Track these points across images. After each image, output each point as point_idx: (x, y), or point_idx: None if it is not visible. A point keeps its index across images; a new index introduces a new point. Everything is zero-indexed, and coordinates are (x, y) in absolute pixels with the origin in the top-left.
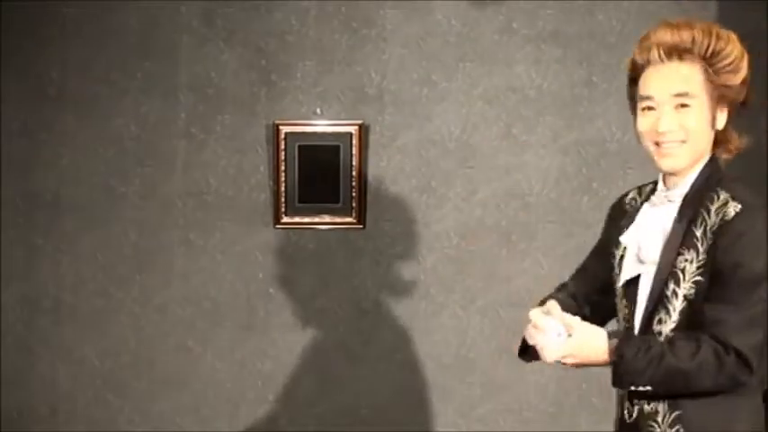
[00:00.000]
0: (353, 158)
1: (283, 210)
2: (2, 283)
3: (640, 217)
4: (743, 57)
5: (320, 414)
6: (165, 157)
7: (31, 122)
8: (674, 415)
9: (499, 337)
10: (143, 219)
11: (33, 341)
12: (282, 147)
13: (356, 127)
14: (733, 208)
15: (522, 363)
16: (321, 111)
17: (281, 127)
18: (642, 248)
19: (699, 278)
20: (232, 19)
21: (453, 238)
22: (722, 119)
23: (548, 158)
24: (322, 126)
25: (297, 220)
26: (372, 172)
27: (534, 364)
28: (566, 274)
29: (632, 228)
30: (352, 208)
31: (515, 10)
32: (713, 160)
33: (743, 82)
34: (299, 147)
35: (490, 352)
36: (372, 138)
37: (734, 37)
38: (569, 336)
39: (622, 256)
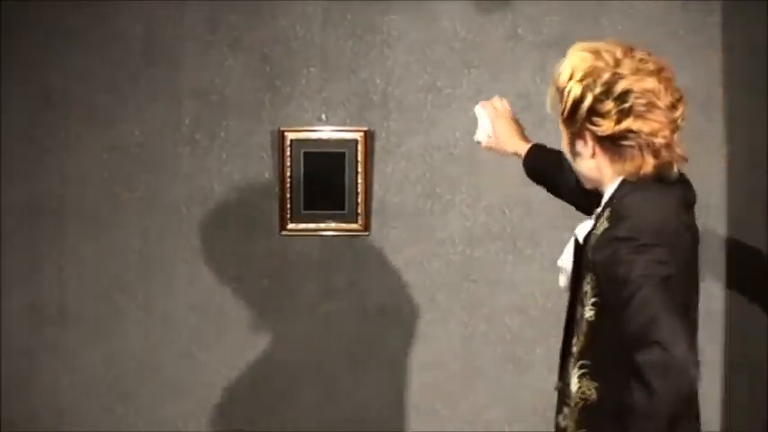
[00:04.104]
0: (359, 165)
1: (288, 216)
2: (5, 289)
3: None
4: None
5: (325, 421)
6: (169, 163)
7: (34, 128)
8: None
9: (505, 344)
10: (147, 225)
11: (37, 348)
12: (287, 153)
13: (361, 133)
14: (603, 229)
15: (529, 370)
16: (326, 117)
17: (285, 133)
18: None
19: (595, 299)
20: (236, 25)
21: (458, 244)
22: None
23: None
24: (327, 132)
25: (302, 226)
26: (377, 178)
27: (540, 373)
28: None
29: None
30: (358, 214)
31: (521, 16)
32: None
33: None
34: (304, 153)
35: (496, 359)
36: (377, 144)
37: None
38: None
39: None
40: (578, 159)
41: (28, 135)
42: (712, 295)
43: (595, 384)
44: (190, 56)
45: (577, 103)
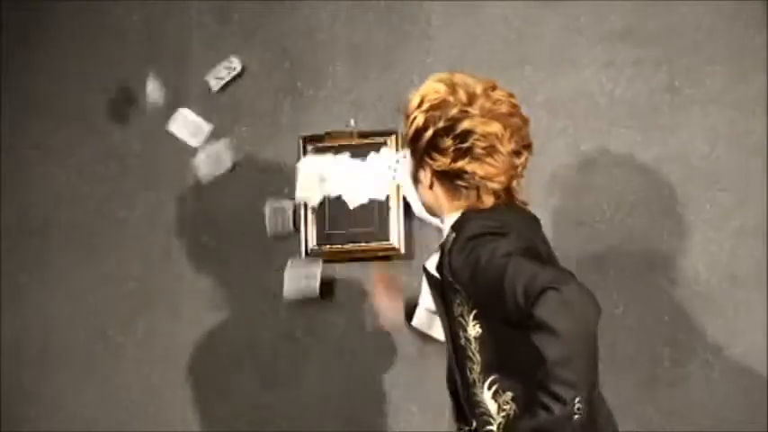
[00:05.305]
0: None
1: (312, 238)
2: None
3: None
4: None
5: None
6: (173, 177)
7: (17, 137)
8: None
9: None
10: (147, 249)
11: (16, 392)
12: None
13: (391, 138)
14: (451, 240)
15: None
16: (355, 122)
17: (308, 141)
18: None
19: (474, 311)
20: (251, 15)
21: None
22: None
23: (622, 178)
24: (357, 140)
25: (327, 249)
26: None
27: None
28: (647, 317)
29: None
30: (392, 234)
31: (583, 4)
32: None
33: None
34: None
35: None
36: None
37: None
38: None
39: None
40: (419, 186)
41: (9, 145)
42: (725, 293)
43: (510, 395)
44: (197, 51)
45: (419, 133)
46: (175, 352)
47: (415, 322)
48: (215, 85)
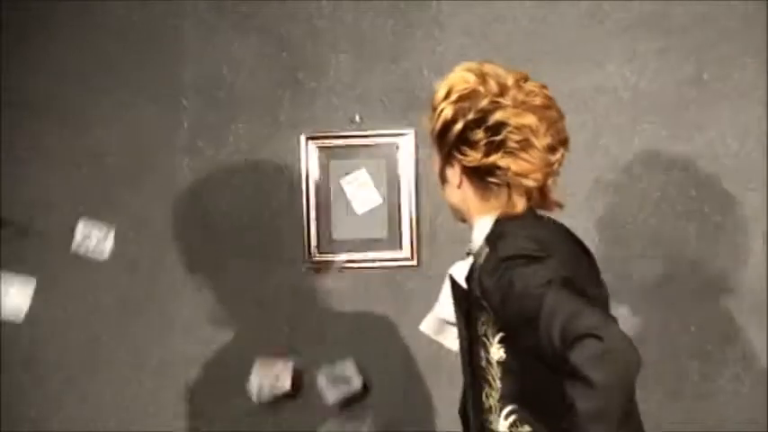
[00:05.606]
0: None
1: (315, 244)
2: None
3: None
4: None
5: None
6: (165, 177)
7: (19, 137)
8: None
9: None
10: (138, 255)
11: (19, 393)
12: (313, 164)
13: (405, 138)
14: (485, 255)
15: None
16: (361, 118)
17: (310, 139)
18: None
19: (500, 335)
20: (247, 1)
21: None
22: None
23: (646, 177)
24: (361, 137)
25: (331, 257)
26: (427, 194)
27: None
28: (670, 324)
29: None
30: (402, 241)
31: None
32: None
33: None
34: (333, 164)
35: None
36: (425, 152)
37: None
38: None
39: None
40: (446, 186)
41: (9, 144)
42: (756, 301)
43: (528, 429)
44: (189, 41)
45: (448, 125)
46: (164, 366)
47: (423, 327)
48: (77, 245)
